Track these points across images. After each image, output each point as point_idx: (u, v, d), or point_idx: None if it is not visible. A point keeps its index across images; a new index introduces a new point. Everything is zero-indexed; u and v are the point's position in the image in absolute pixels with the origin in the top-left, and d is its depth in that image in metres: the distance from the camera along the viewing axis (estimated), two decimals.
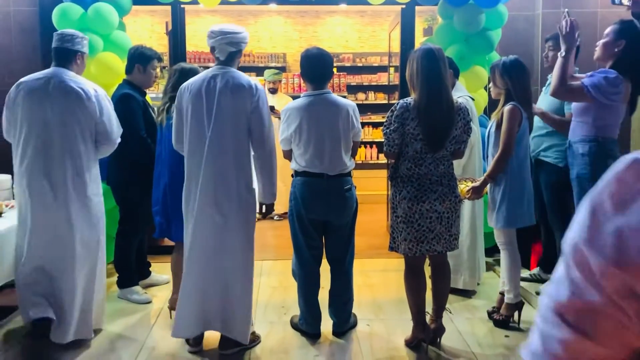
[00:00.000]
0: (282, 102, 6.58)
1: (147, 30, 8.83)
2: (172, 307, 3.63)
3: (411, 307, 3.28)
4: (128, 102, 3.81)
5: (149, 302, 3.98)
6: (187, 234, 3.15)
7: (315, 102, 3.27)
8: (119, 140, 3.41)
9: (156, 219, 3.59)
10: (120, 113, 3.57)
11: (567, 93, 3.17)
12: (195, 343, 3.25)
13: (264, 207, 3.27)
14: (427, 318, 3.32)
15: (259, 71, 7.84)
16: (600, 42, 3.22)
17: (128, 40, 4.53)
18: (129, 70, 3.97)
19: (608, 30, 3.18)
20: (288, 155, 3.41)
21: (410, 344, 3.31)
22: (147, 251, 4.40)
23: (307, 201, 3.28)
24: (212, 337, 3.31)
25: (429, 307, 3.30)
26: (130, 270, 4.05)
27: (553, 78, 3.20)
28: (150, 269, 4.41)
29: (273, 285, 4.34)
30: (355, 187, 3.44)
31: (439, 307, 3.31)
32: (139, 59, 3.92)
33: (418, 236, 3.10)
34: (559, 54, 3.20)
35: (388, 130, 3.09)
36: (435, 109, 3.00)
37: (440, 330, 3.31)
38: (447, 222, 3.12)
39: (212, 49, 3.14)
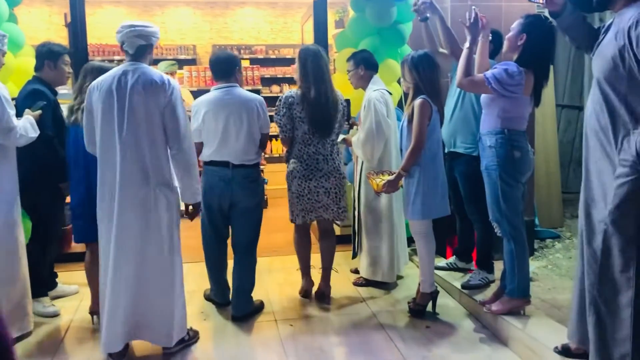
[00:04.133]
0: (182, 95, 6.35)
1: (45, 21, 8.28)
2: (93, 312, 3.51)
3: (300, 262, 3.96)
4: (37, 98, 3.55)
5: (57, 315, 3.74)
6: (102, 238, 3.02)
7: (222, 95, 3.50)
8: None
9: (77, 223, 3.43)
10: (26, 109, 3.42)
11: (470, 85, 3.23)
12: (119, 356, 3.06)
13: (189, 207, 3.18)
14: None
15: None
16: (506, 36, 3.30)
17: (21, 33, 4.18)
18: (38, 67, 3.73)
19: (514, 24, 3.26)
20: (199, 148, 3.50)
21: (301, 294, 3.98)
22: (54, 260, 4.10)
23: (213, 189, 3.52)
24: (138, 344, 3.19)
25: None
26: (40, 281, 3.78)
27: (458, 70, 3.25)
28: (57, 279, 4.13)
29: (191, 290, 4.17)
30: (267, 180, 3.51)
31: (325, 267, 3.92)
32: (48, 55, 3.69)
33: (308, 207, 3.76)
34: (463, 45, 3.25)
35: (278, 117, 3.66)
36: (318, 98, 3.59)
37: (327, 289, 3.94)
38: (335, 196, 3.77)
39: (122, 44, 3.03)
